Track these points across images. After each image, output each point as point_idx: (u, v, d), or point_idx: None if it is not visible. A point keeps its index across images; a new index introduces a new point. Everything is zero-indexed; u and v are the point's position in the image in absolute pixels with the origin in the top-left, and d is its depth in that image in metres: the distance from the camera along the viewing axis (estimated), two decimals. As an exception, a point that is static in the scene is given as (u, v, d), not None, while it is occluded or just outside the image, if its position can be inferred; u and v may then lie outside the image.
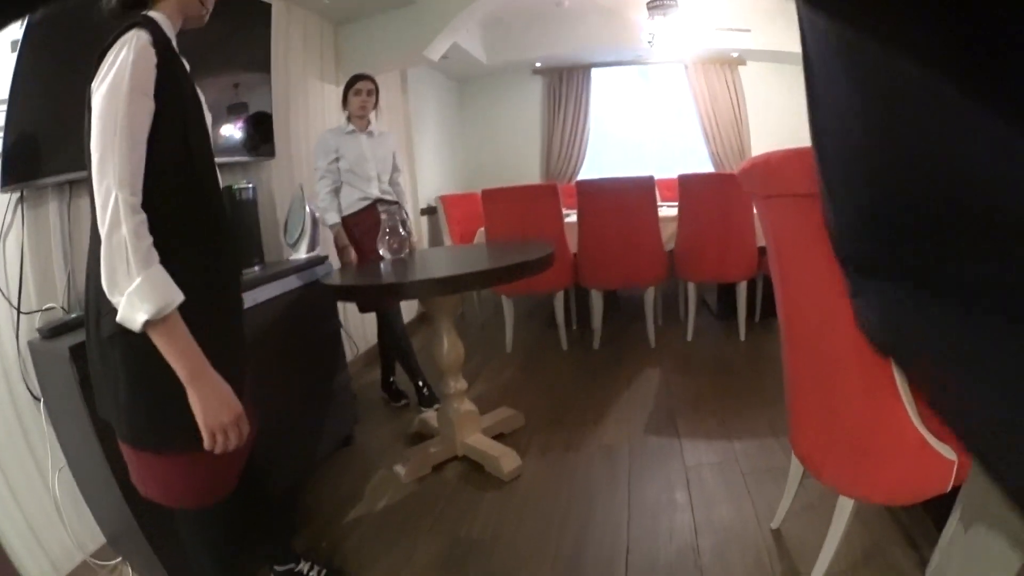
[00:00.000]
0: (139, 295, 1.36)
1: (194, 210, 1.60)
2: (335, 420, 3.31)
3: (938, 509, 1.94)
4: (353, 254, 3.73)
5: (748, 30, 6.72)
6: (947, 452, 1.52)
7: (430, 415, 3.47)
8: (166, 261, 1.42)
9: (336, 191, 3.74)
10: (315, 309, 3.19)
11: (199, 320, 1.48)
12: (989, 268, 0.38)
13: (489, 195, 4.72)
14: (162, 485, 1.70)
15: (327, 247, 3.74)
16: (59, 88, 2.25)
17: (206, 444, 1.50)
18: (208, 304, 1.57)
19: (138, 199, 1.39)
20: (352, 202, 3.73)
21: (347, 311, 4.30)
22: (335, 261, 3.73)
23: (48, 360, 2.17)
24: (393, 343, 3.97)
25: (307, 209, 3.45)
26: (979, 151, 0.34)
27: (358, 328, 4.84)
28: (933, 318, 0.46)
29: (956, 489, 1.67)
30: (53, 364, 2.10)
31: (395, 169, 3.95)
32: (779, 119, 7.68)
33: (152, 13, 1.53)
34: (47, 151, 2.30)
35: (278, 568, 2.25)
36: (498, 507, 2.69)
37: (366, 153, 3.73)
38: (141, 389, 1.54)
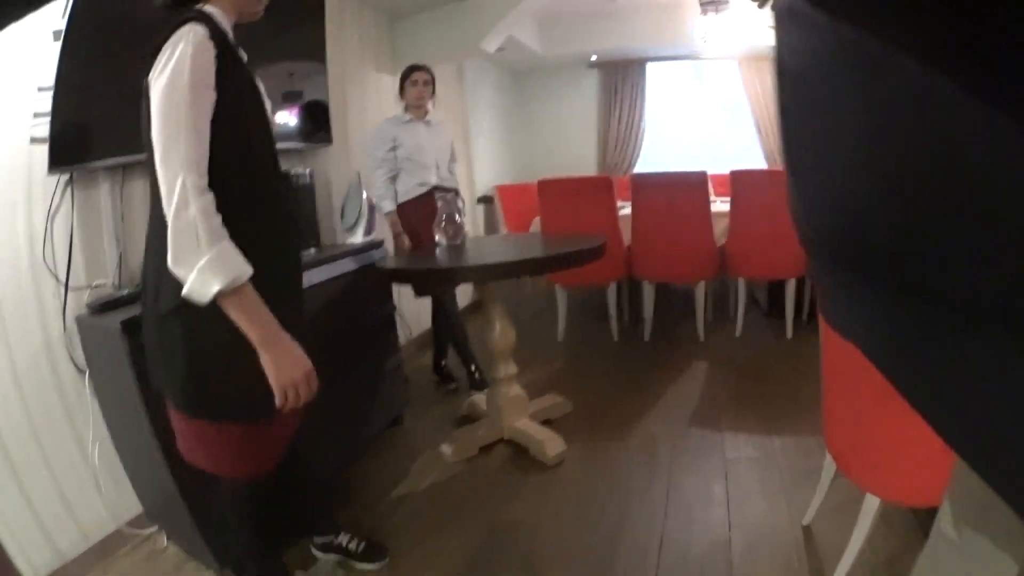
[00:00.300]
0: (211, 269, 1.43)
1: (255, 191, 1.67)
2: (386, 401, 3.39)
3: None
4: (407, 241, 3.81)
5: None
6: None
7: (479, 398, 3.52)
8: (231, 238, 1.49)
9: (393, 179, 3.81)
10: (370, 292, 3.27)
11: (264, 291, 1.55)
12: (979, 271, 0.37)
13: (545, 186, 4.76)
14: (211, 454, 1.77)
15: (383, 233, 3.81)
16: (104, 75, 2.33)
17: (277, 401, 1.58)
18: (271, 276, 1.63)
19: (205, 181, 1.46)
20: (410, 188, 3.80)
21: (401, 296, 4.37)
22: (391, 247, 3.82)
23: (97, 334, 2.25)
24: (447, 327, 4.04)
25: (364, 195, 3.53)
26: (982, 151, 0.33)
27: (412, 312, 4.92)
28: (906, 320, 0.46)
29: None
30: (103, 338, 2.19)
31: (452, 158, 4.02)
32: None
33: (207, 8, 1.58)
34: (96, 136, 2.38)
35: (318, 539, 2.36)
36: (540, 491, 2.75)
37: (423, 142, 3.80)
38: (200, 361, 1.62)
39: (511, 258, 2.67)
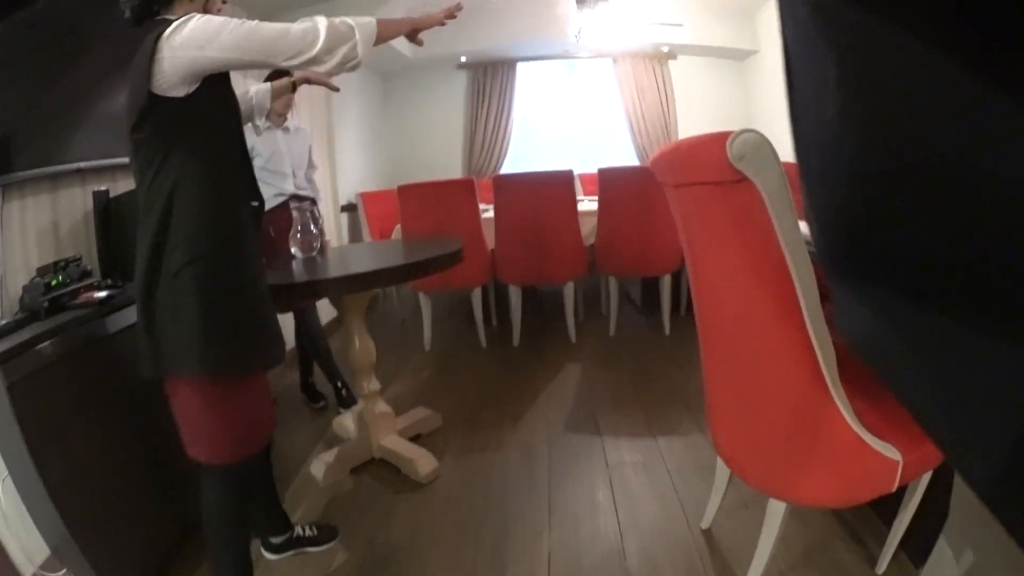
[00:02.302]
0: (358, 24, 1.82)
1: (236, 162, 1.88)
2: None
3: (883, 504, 1.90)
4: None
5: (680, 24, 6.77)
6: (889, 452, 1.46)
7: (348, 416, 3.41)
8: (211, 193, 1.73)
9: None
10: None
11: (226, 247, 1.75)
12: (976, 252, 0.36)
13: (405, 191, 4.65)
14: (213, 435, 1.84)
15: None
16: None
17: (439, 19, 2.24)
18: (236, 235, 1.80)
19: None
20: (267, 199, 3.61)
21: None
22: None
23: None
24: (310, 343, 3.89)
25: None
26: (982, 132, 0.33)
27: (277, 329, 4.72)
28: (909, 321, 0.45)
29: (903, 488, 1.64)
30: None
31: (310, 165, 3.89)
32: (708, 113, 7.79)
33: (168, 17, 1.73)
34: None
35: (275, 540, 2.41)
36: (416, 511, 2.65)
37: (282, 149, 3.65)
38: (217, 314, 1.71)
39: (366, 268, 2.54)
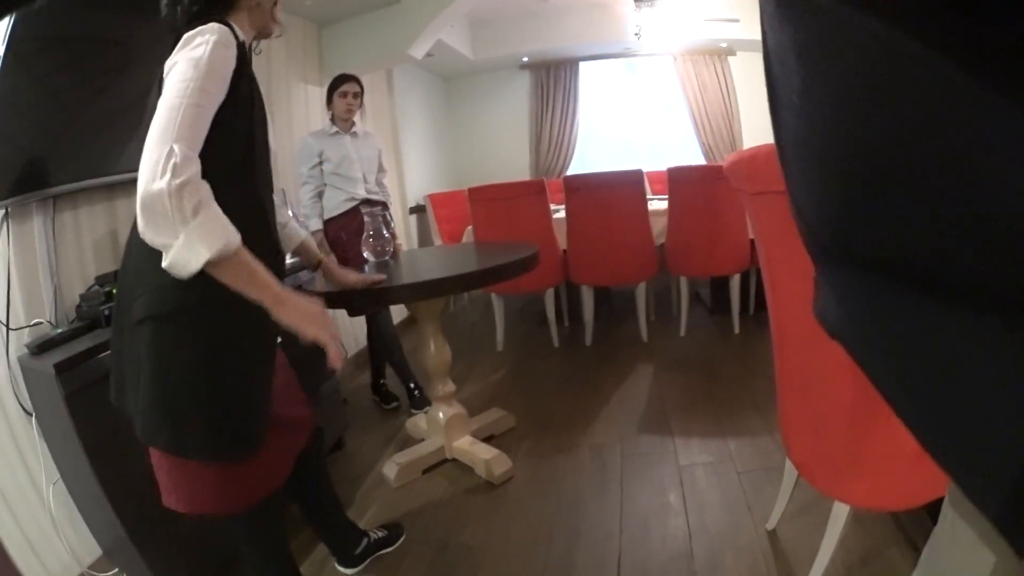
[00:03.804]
0: (200, 233, 1.33)
1: (246, 199, 1.62)
2: (325, 425, 3.22)
3: (937, 508, 1.90)
4: (333, 260, 3.67)
5: (737, 20, 6.70)
6: None
7: (420, 417, 3.42)
8: None
9: (319, 195, 3.70)
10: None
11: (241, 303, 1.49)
12: (971, 260, 0.35)
13: (475, 193, 4.66)
14: (206, 494, 1.66)
15: (312, 251, 3.69)
16: (40, 103, 2.30)
17: (324, 341, 1.52)
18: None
19: (194, 155, 1.38)
20: (338, 204, 3.69)
21: (336, 315, 4.27)
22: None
23: (37, 376, 2.15)
24: (382, 345, 3.94)
25: (290, 213, 3.41)
26: (982, 134, 0.32)
27: (348, 331, 4.80)
28: (896, 309, 0.44)
29: None
30: (41, 380, 2.09)
31: (380, 169, 3.93)
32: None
33: (228, 19, 1.59)
34: (30, 166, 2.31)
35: (354, 550, 2.33)
36: (488, 512, 2.65)
37: (351, 154, 3.69)
38: (165, 382, 1.51)
39: (440, 275, 2.55)
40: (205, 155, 1.41)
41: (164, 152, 1.32)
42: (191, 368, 1.48)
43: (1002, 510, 0.39)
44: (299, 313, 1.49)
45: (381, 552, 2.39)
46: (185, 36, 1.46)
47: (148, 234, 1.34)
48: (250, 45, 1.72)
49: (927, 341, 0.41)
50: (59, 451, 2.26)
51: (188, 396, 1.51)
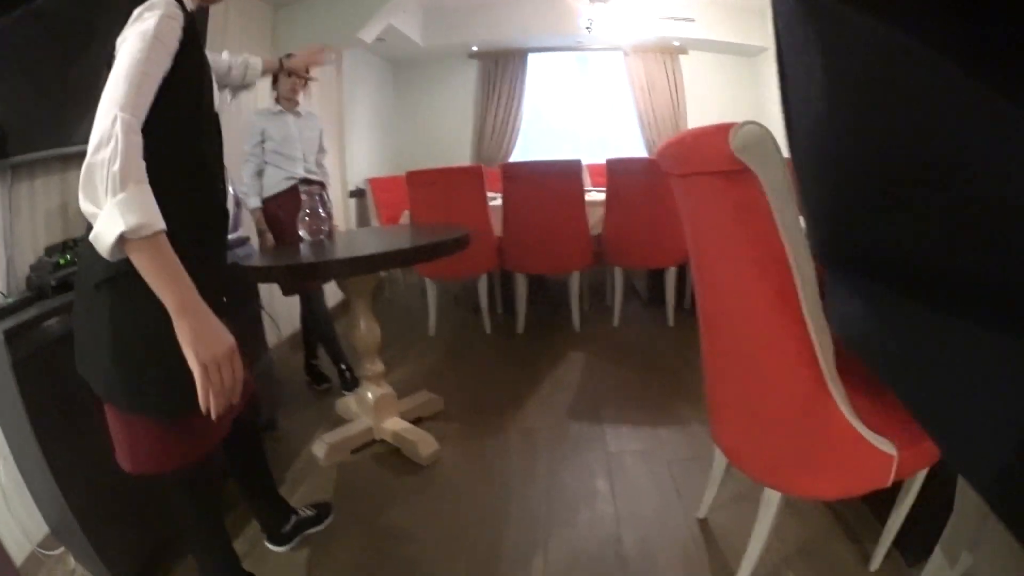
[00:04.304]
0: (122, 206, 1.27)
1: (191, 169, 1.64)
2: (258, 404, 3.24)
3: (878, 501, 1.91)
4: (270, 238, 3.68)
5: (692, 19, 6.77)
6: (886, 447, 1.47)
7: (351, 398, 3.43)
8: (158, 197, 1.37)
9: (260, 174, 3.69)
10: (235, 290, 3.10)
11: (185, 261, 1.42)
12: (973, 259, 0.37)
13: (414, 177, 4.66)
14: (148, 450, 1.67)
15: (249, 229, 3.68)
16: (5, 76, 2.28)
17: (198, 380, 1.38)
18: (193, 250, 1.52)
19: (138, 124, 1.36)
20: (277, 182, 3.67)
21: (272, 295, 4.24)
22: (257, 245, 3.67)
23: None
24: (315, 326, 3.93)
25: (231, 191, 3.39)
26: (980, 132, 0.33)
27: (283, 312, 4.77)
28: (900, 314, 0.46)
29: (898, 484, 1.62)
30: None
31: (321, 150, 3.92)
32: (719, 108, 7.81)
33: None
34: None
35: (284, 528, 2.35)
36: (416, 493, 2.67)
37: (293, 133, 3.69)
38: (126, 344, 1.52)
39: (373, 251, 2.56)
40: (154, 121, 1.41)
41: (110, 120, 1.31)
42: (147, 326, 1.46)
43: (992, 486, 0.42)
44: (196, 335, 1.38)
45: (310, 531, 2.40)
46: (135, 12, 1.47)
47: (82, 200, 1.31)
48: (195, 14, 1.69)
49: (937, 348, 0.43)
50: (7, 424, 2.21)
51: (145, 353, 1.51)
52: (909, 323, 0.45)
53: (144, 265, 1.34)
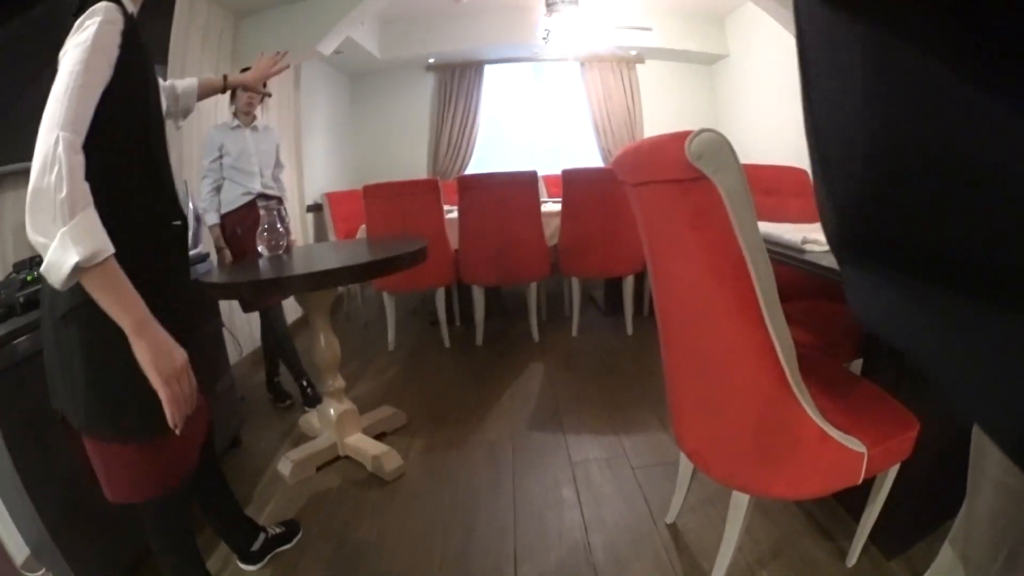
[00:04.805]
0: (72, 235, 1.27)
1: (144, 175, 1.61)
2: (222, 422, 3.21)
3: (850, 498, 1.94)
4: (228, 254, 3.67)
5: (650, 28, 6.83)
6: (854, 444, 1.50)
7: (313, 415, 3.42)
8: (107, 216, 1.36)
9: (218, 190, 3.67)
10: (196, 307, 3.09)
11: (139, 279, 1.42)
12: (988, 250, 0.39)
13: (370, 191, 4.66)
14: (127, 478, 1.67)
15: (209, 246, 3.67)
16: None
17: (164, 396, 1.43)
18: (154, 263, 1.58)
19: (80, 141, 1.35)
20: (235, 197, 3.66)
21: (232, 312, 4.22)
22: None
23: None
24: (276, 343, 3.91)
25: (191, 206, 3.38)
26: (986, 140, 0.35)
27: (244, 329, 4.74)
28: (924, 304, 0.48)
29: (870, 480, 1.66)
30: None
31: (278, 164, 3.91)
32: (675, 116, 7.89)
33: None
34: None
35: (254, 547, 2.34)
36: (383, 508, 2.67)
37: (250, 148, 3.68)
38: (98, 371, 1.51)
39: (331, 266, 2.57)
40: (99, 131, 1.40)
41: (51, 141, 1.29)
42: (119, 350, 1.43)
43: (1018, 443, 0.44)
44: (154, 352, 1.42)
45: (280, 549, 2.40)
46: (76, 22, 1.45)
47: (30, 230, 1.28)
48: (135, 15, 1.66)
49: (957, 327, 0.45)
50: None
51: (120, 378, 1.50)
52: (937, 305, 0.47)
53: (97, 291, 1.35)
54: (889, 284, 0.52)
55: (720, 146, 1.32)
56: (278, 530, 2.43)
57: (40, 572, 2.29)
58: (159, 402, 1.44)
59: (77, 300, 1.43)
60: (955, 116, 0.37)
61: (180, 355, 1.47)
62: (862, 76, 0.45)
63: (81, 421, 1.57)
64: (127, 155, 1.56)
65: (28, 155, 1.29)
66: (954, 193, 0.40)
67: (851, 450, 1.50)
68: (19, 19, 2.20)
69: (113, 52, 1.47)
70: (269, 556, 2.36)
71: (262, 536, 2.36)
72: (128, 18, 1.54)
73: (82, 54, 1.39)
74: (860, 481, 1.55)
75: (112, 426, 1.58)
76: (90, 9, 1.45)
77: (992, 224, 0.38)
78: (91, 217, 1.31)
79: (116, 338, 1.41)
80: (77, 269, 1.27)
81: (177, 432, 1.47)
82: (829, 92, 0.52)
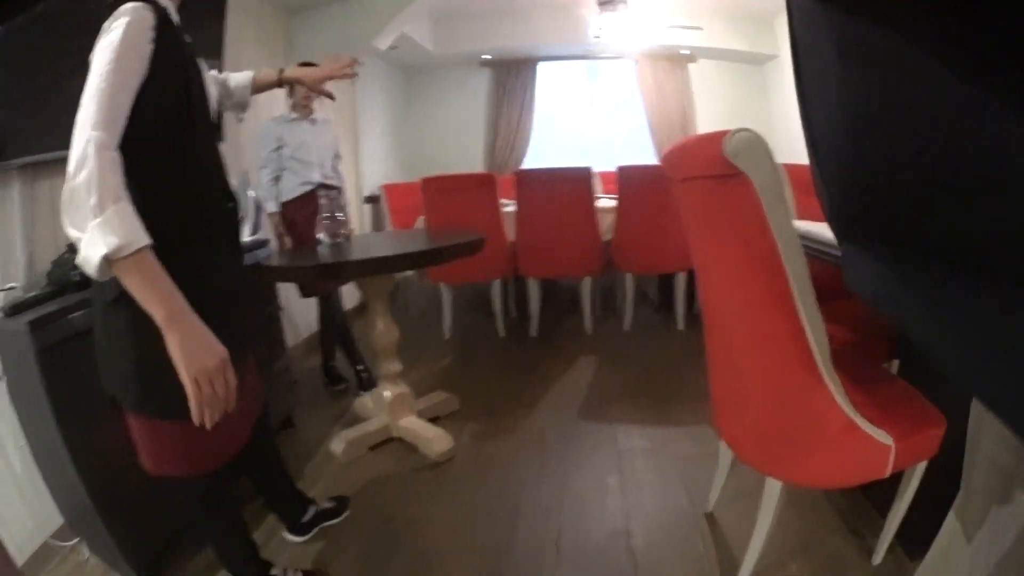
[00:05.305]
0: (102, 229, 1.27)
1: (190, 167, 1.64)
2: (276, 403, 3.29)
3: (879, 496, 1.97)
4: (288, 242, 3.78)
5: (700, 28, 6.81)
6: (882, 436, 1.51)
7: (368, 398, 3.50)
8: (149, 210, 1.39)
9: (277, 179, 3.77)
10: (255, 291, 3.19)
11: (184, 270, 1.44)
12: (979, 227, 0.42)
13: (428, 183, 4.73)
14: (173, 455, 1.70)
15: (269, 232, 3.76)
16: (24, 73, 2.34)
17: (189, 393, 1.40)
18: (199, 252, 1.59)
19: (114, 141, 1.36)
20: (294, 187, 3.76)
21: (290, 297, 4.31)
22: (276, 247, 3.74)
23: (9, 338, 2.13)
24: (333, 328, 4.00)
25: (251, 194, 3.48)
26: (980, 132, 0.38)
27: (301, 314, 4.84)
28: (916, 280, 0.51)
29: (897, 475, 1.67)
30: (13, 340, 2.07)
31: (336, 156, 4.00)
32: (727, 115, 7.81)
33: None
34: (12, 134, 2.34)
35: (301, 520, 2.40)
36: (431, 488, 2.73)
37: (308, 140, 3.77)
38: (147, 352, 1.51)
39: (391, 253, 2.64)
40: (141, 128, 1.43)
41: (83, 141, 1.31)
42: (162, 337, 1.40)
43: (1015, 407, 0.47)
44: (185, 347, 1.39)
45: (328, 523, 2.45)
46: (104, 25, 1.45)
47: (66, 227, 1.32)
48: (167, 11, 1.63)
49: (950, 299, 0.48)
50: (27, 415, 2.26)
51: (166, 363, 1.44)
52: (920, 278, 0.50)
53: (130, 283, 1.35)
54: (875, 256, 0.56)
55: (756, 144, 1.38)
56: (328, 504, 2.49)
57: (72, 542, 2.40)
58: None
59: (120, 288, 1.43)
60: (921, 97, 0.40)
61: (217, 353, 1.44)
62: (835, 60, 0.48)
63: (130, 402, 1.62)
64: (170, 148, 1.58)
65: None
66: (924, 172, 0.43)
67: (878, 442, 1.52)
68: (23, 15, 2.26)
69: (145, 49, 1.47)
70: (316, 529, 2.42)
71: (312, 508, 2.42)
72: (160, 14, 1.55)
73: (111, 55, 1.40)
74: (887, 474, 1.57)
75: (158, 407, 1.60)
76: (117, 11, 1.46)
77: (958, 200, 0.42)
78: (123, 211, 1.32)
79: None
80: (106, 261, 1.28)
81: (208, 427, 1.43)
82: (813, 77, 0.56)
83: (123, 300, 1.46)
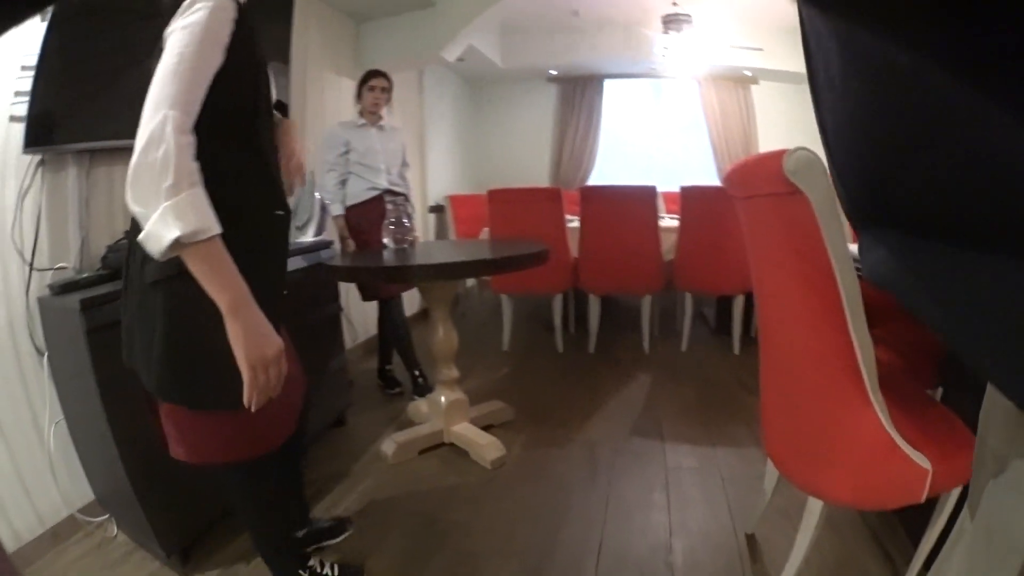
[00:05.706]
0: (176, 212, 1.27)
1: (250, 163, 1.65)
2: (329, 400, 3.37)
3: (913, 522, 1.95)
4: (352, 245, 3.85)
5: (760, 49, 6.79)
6: (921, 460, 1.51)
7: (422, 403, 3.53)
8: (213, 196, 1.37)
9: (343, 183, 3.83)
10: (317, 291, 3.28)
11: (241, 260, 1.42)
12: (969, 204, 0.44)
13: (494, 195, 4.78)
14: (197, 442, 1.71)
15: (333, 234, 3.83)
16: (82, 60, 2.39)
17: (245, 378, 1.41)
18: (252, 249, 1.54)
19: (190, 123, 1.35)
20: (360, 192, 3.82)
21: (350, 299, 4.37)
22: (339, 249, 3.82)
23: (57, 315, 2.21)
24: (392, 332, 4.04)
25: (316, 196, 3.55)
26: (981, 134, 0.40)
27: (360, 317, 4.92)
28: (916, 253, 0.53)
29: (932, 501, 1.66)
30: (62, 318, 2.15)
31: (403, 164, 4.05)
32: (789, 137, 7.71)
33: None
34: (68, 120, 2.40)
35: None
36: (479, 493, 2.74)
37: (376, 146, 3.83)
38: (176, 340, 1.53)
39: (456, 259, 2.67)
40: (208, 116, 1.41)
41: (159, 119, 1.29)
42: (205, 324, 1.43)
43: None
44: (247, 335, 1.41)
45: (325, 543, 2.37)
46: (184, 3, 1.42)
47: (131, 201, 1.30)
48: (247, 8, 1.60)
49: (962, 280, 0.49)
50: (67, 391, 2.33)
51: (203, 350, 1.51)
52: (924, 258, 0.52)
53: (198, 268, 1.35)
54: (883, 242, 0.58)
55: (813, 164, 1.43)
56: (326, 524, 2.40)
57: (100, 518, 2.46)
58: (235, 378, 1.43)
59: (169, 272, 1.45)
60: (920, 101, 0.42)
61: (274, 343, 1.46)
62: (840, 65, 0.50)
63: (152, 384, 1.60)
64: (234, 141, 1.58)
65: (134, 134, 1.33)
66: (925, 170, 0.46)
67: (917, 464, 1.52)
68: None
69: (224, 38, 1.46)
70: (311, 547, 2.34)
71: (307, 527, 2.35)
72: (240, 7, 1.53)
73: (192, 36, 1.38)
74: (923, 498, 1.56)
75: (182, 394, 1.60)
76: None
77: (958, 193, 0.44)
78: (197, 195, 1.32)
79: (200, 314, 1.43)
80: (178, 244, 1.28)
81: (253, 410, 1.45)
82: (822, 81, 0.58)
83: (161, 284, 1.50)
